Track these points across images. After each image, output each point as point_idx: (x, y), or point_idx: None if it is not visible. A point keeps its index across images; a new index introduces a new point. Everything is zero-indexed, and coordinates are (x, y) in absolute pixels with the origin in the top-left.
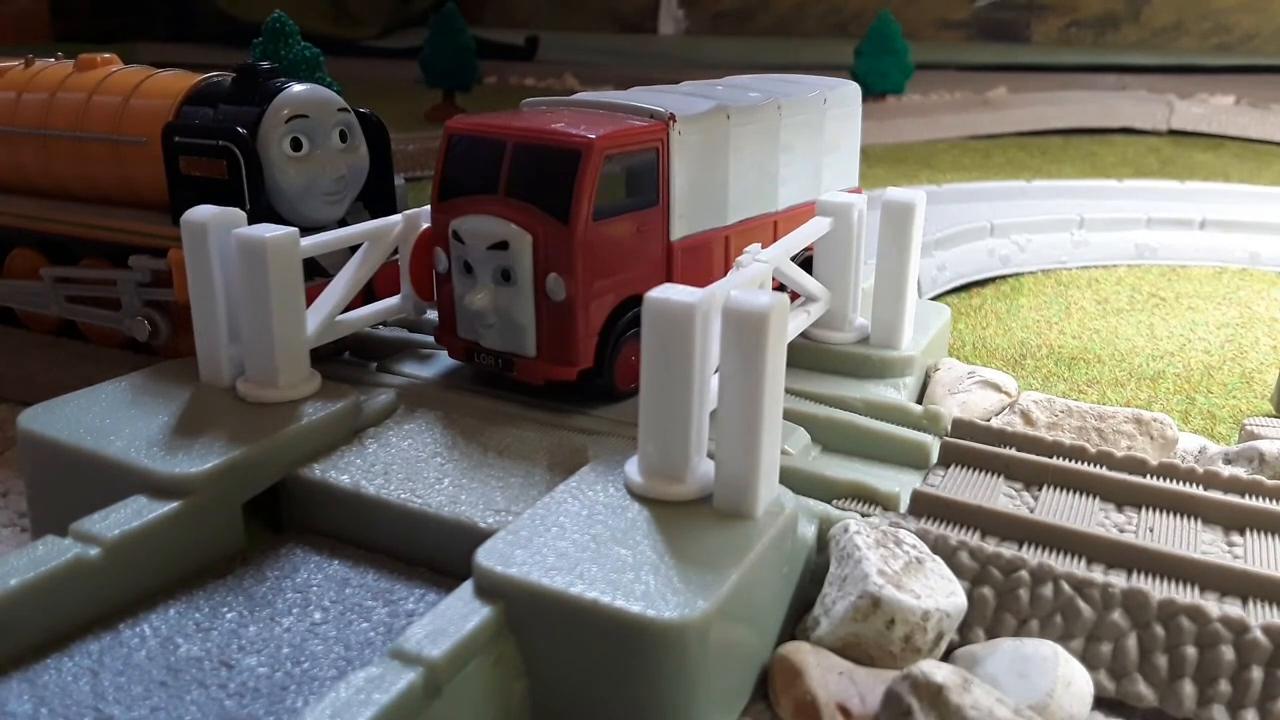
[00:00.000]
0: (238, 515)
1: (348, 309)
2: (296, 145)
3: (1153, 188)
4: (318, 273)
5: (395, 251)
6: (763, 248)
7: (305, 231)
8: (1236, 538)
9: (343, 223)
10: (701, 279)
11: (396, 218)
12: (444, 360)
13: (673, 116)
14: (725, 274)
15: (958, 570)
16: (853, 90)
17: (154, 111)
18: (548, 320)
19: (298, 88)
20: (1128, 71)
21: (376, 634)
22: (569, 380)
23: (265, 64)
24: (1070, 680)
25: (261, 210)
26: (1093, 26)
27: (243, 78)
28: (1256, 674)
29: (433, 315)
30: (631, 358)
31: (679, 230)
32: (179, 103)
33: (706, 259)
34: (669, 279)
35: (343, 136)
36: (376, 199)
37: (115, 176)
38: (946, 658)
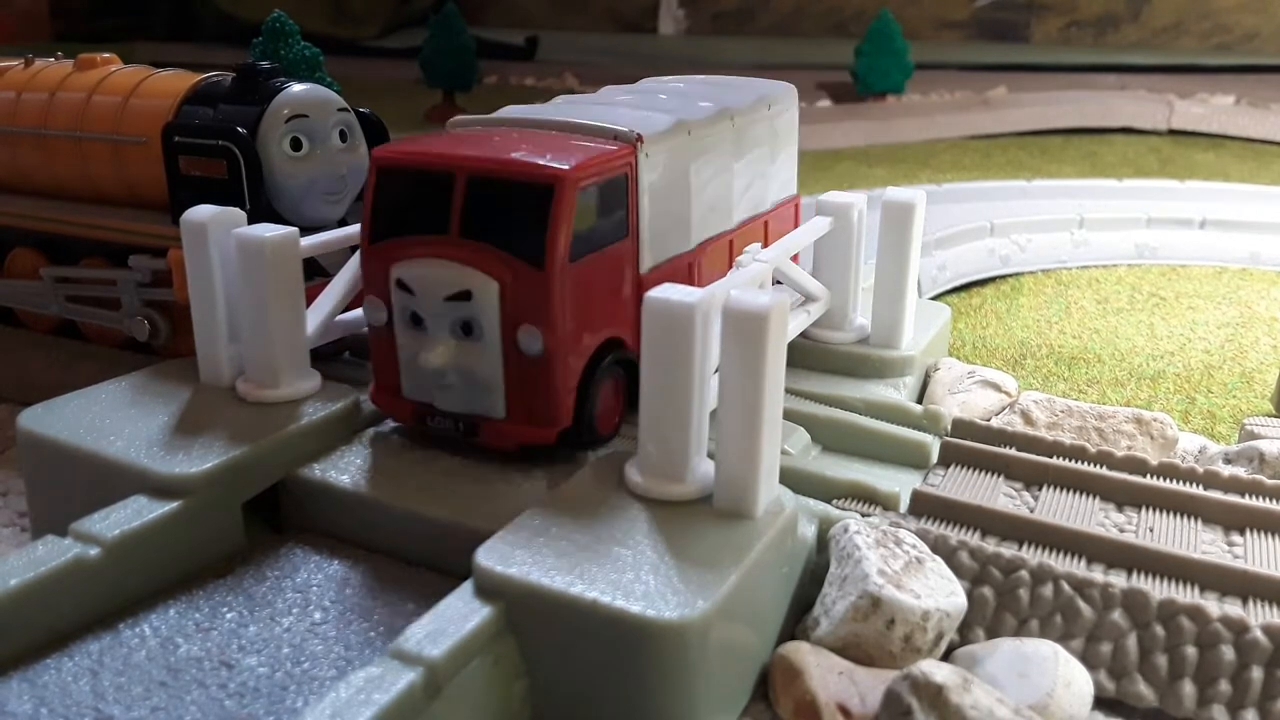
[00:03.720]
0: (238, 515)
1: (348, 309)
2: (296, 145)
3: (1153, 187)
4: (318, 273)
5: None
6: (729, 266)
7: (305, 231)
8: (1236, 537)
9: (343, 222)
10: None
11: None
12: None
13: (640, 137)
14: None
15: (958, 570)
16: (790, 93)
17: (154, 111)
18: (520, 377)
19: (297, 87)
20: (1128, 71)
21: (376, 634)
22: (548, 444)
23: (265, 64)
24: (1070, 680)
25: (261, 210)
26: (1093, 26)
27: (243, 77)
28: (1256, 674)
29: None
30: (609, 400)
31: (648, 261)
32: (179, 102)
33: None
34: (639, 315)
35: (343, 136)
36: None
37: (115, 176)
38: (946, 658)
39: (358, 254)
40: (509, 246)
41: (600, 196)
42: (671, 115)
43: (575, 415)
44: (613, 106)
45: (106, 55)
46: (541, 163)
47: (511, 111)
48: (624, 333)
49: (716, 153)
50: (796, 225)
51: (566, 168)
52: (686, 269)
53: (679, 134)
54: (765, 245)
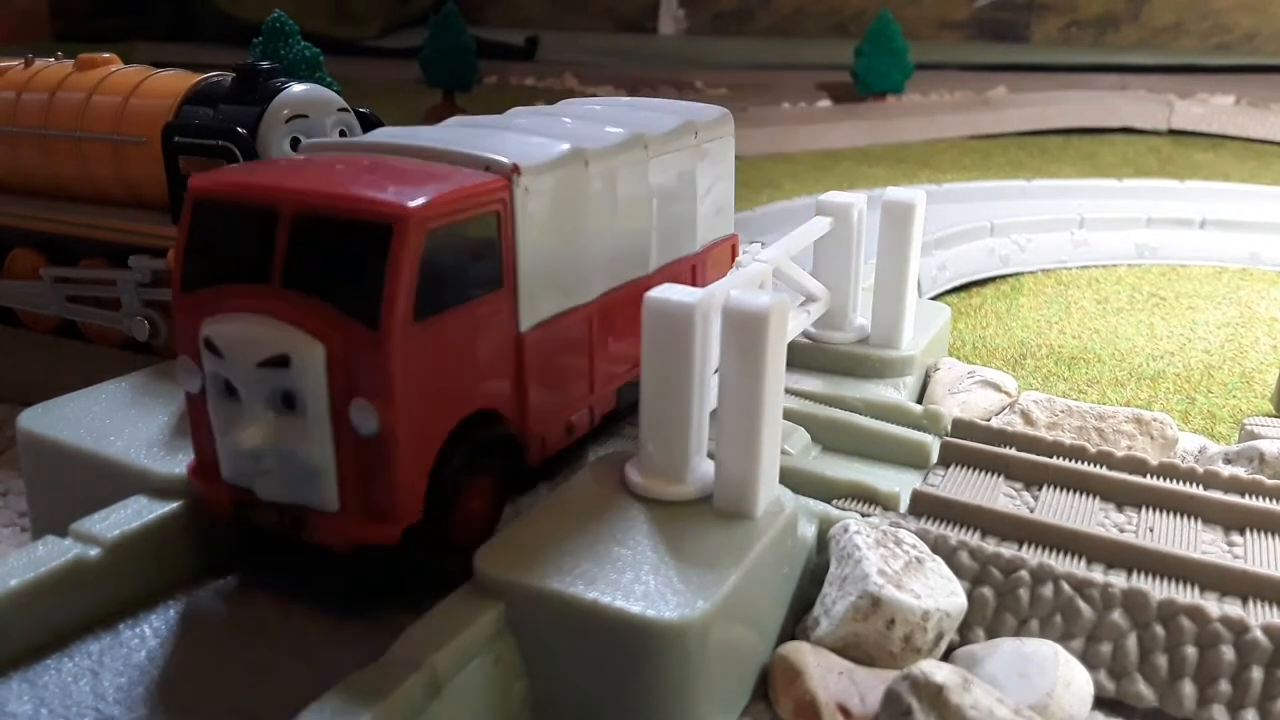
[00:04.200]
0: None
1: None
2: (296, 145)
3: (1153, 187)
4: None
5: None
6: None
7: None
8: (1236, 537)
9: None
10: (559, 377)
11: None
12: None
13: (516, 168)
14: (592, 364)
15: (958, 570)
16: (725, 120)
17: (154, 111)
18: (355, 461)
19: (297, 87)
20: (1128, 71)
21: (381, 630)
22: (389, 543)
23: (265, 64)
24: (1070, 680)
25: None
26: (1093, 26)
27: (243, 77)
28: (1256, 674)
29: None
30: (475, 503)
31: (529, 317)
32: (179, 102)
33: (568, 349)
34: (519, 382)
35: (342, 136)
36: None
37: (115, 176)
38: (946, 658)
39: None
40: (339, 300)
41: (461, 239)
42: (567, 142)
43: (429, 510)
44: (503, 131)
45: (107, 55)
46: (381, 198)
47: (383, 135)
48: (499, 404)
49: (625, 186)
50: (733, 263)
51: (411, 204)
52: (583, 324)
53: (572, 164)
54: None
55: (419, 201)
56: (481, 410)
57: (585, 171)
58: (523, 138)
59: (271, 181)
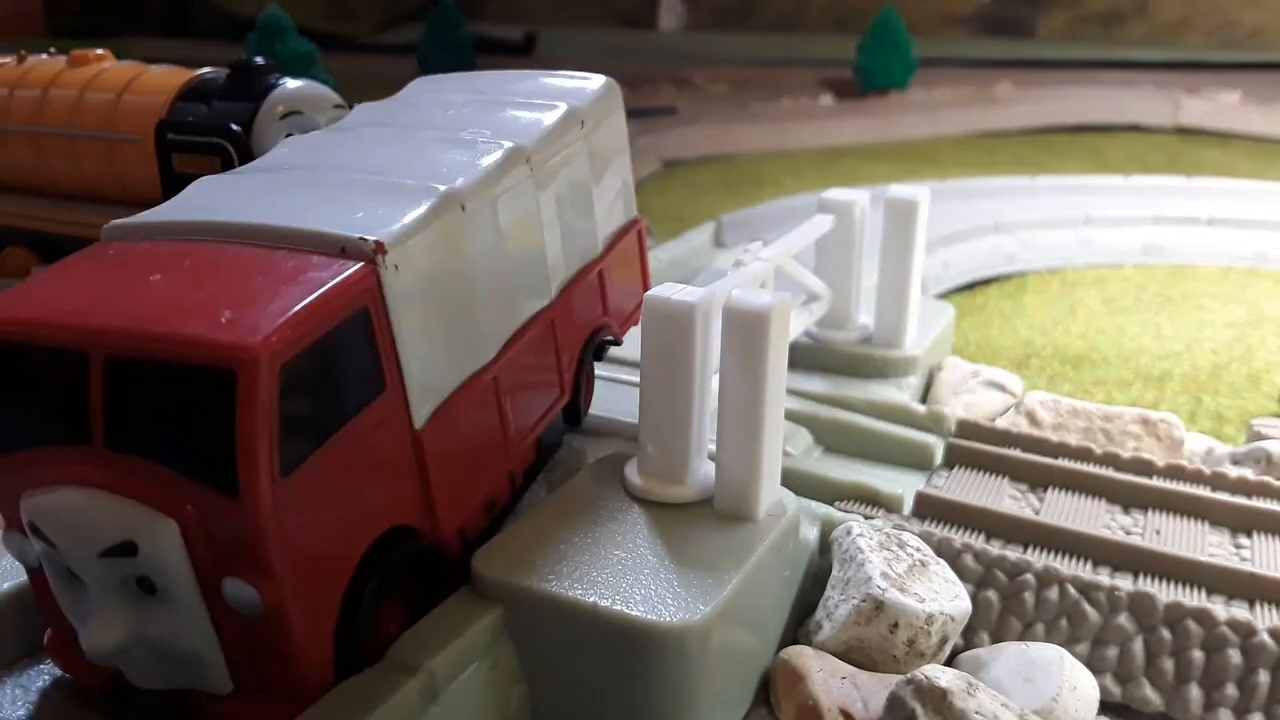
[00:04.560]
0: None
1: None
2: None
3: (1159, 184)
4: None
5: None
6: (559, 350)
7: None
8: (1244, 540)
9: None
10: (469, 460)
11: None
12: None
13: (379, 246)
14: (504, 427)
15: (962, 573)
16: (609, 91)
17: (147, 108)
18: (243, 640)
19: (292, 84)
20: (1134, 67)
21: None
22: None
23: (260, 60)
24: (1076, 684)
25: None
26: (1098, 22)
27: (236, 74)
28: (1263, 678)
29: None
30: (393, 628)
31: (424, 408)
32: (172, 99)
33: (474, 424)
34: (424, 486)
35: None
36: None
37: (108, 174)
38: (950, 662)
39: None
40: (181, 463)
41: (325, 356)
42: (431, 185)
43: (342, 660)
44: (351, 176)
45: (99, 51)
46: (216, 333)
47: (207, 194)
48: (405, 519)
49: (511, 216)
50: (642, 257)
51: (255, 337)
52: (487, 389)
53: (446, 214)
54: (604, 300)
55: (265, 331)
56: (393, 529)
57: (461, 218)
58: (382, 180)
59: (74, 313)
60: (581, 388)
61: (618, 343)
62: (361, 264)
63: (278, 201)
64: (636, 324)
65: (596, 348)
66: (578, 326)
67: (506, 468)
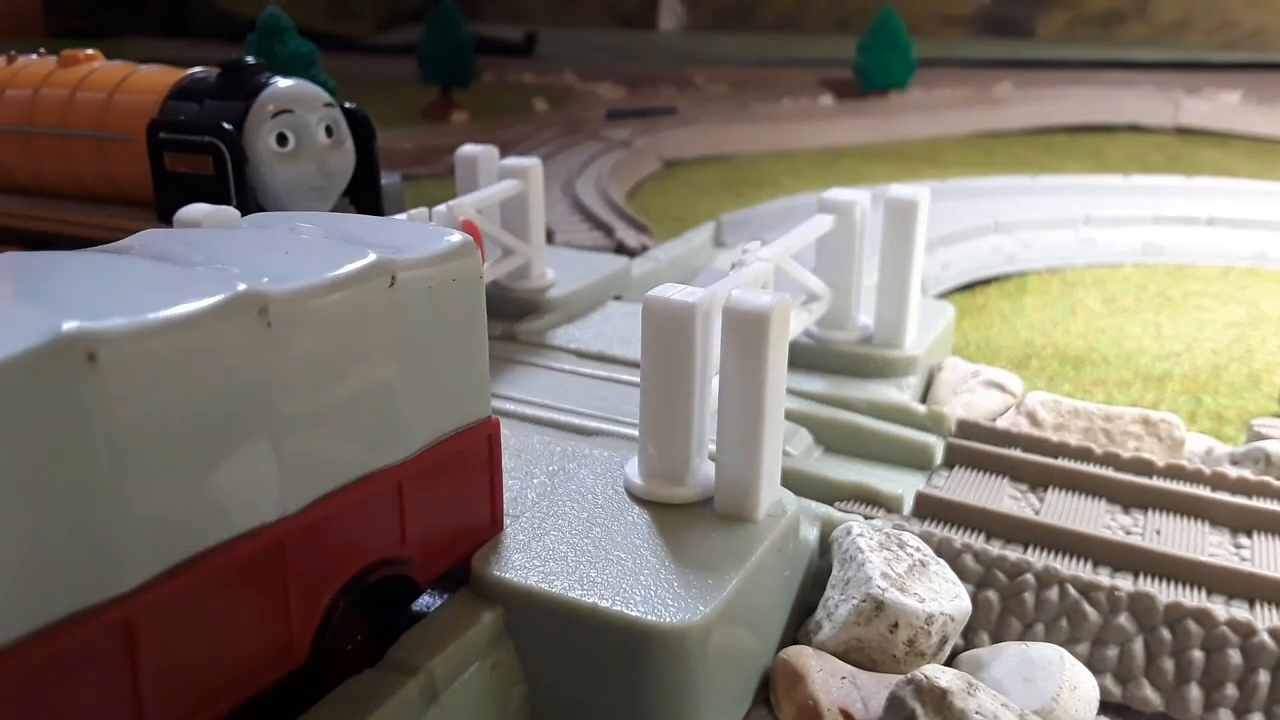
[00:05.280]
0: None
1: None
2: (282, 140)
3: (1159, 184)
4: None
5: None
6: (284, 586)
7: None
8: (1244, 540)
9: None
10: None
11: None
12: None
13: None
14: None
15: (962, 573)
16: (462, 250)
17: (138, 108)
18: None
19: (283, 83)
20: (1134, 67)
21: None
22: None
23: (250, 59)
24: (1076, 684)
25: (248, 206)
26: (1098, 22)
27: (228, 73)
28: (1263, 678)
29: None
30: None
31: None
32: (163, 98)
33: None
34: None
35: (329, 131)
36: (361, 195)
37: (100, 173)
38: (950, 662)
39: None
40: None
41: None
42: (55, 320)
43: None
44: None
45: (89, 52)
46: None
47: None
48: None
49: (208, 382)
50: (493, 472)
51: None
52: (111, 636)
53: (52, 364)
54: (401, 525)
55: None
56: None
57: (87, 372)
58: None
59: None
60: (331, 648)
61: (419, 588)
62: None
63: None
64: (463, 559)
65: (371, 591)
66: (333, 558)
67: None
